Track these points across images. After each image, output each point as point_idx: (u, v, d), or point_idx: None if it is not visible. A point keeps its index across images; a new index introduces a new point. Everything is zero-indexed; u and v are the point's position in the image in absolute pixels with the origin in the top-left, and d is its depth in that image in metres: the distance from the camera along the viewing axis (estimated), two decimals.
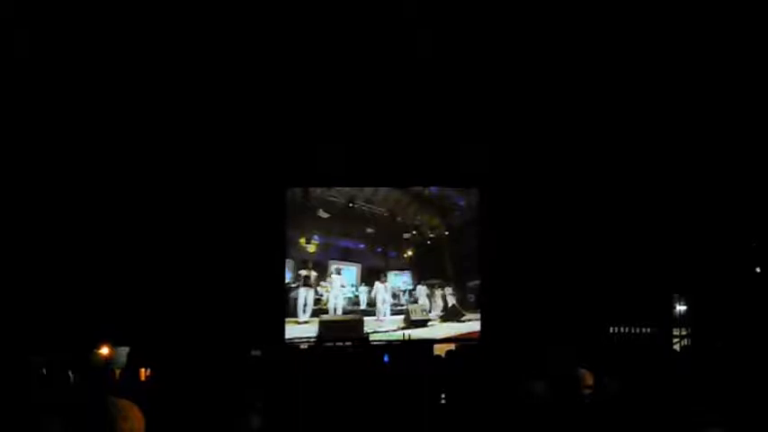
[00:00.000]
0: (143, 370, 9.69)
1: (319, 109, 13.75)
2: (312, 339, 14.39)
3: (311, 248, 15.16)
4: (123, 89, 12.96)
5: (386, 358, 9.84)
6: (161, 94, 13.21)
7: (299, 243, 15.07)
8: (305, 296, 14.82)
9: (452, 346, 12.39)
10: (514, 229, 14.53)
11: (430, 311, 15.21)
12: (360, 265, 15.31)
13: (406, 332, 14.80)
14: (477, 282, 15.35)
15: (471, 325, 15.17)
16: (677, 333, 14.21)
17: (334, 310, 14.95)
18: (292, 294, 14.83)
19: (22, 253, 12.65)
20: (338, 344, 13.89)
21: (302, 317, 14.82)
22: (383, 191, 15.41)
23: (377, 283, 15.17)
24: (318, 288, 14.94)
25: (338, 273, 15.11)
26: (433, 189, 15.60)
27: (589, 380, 5.08)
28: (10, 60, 11.80)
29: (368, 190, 15.26)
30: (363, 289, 15.19)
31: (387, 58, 12.84)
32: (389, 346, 13.08)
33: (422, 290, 15.31)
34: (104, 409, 2.82)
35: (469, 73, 13.35)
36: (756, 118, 12.98)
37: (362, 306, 15.13)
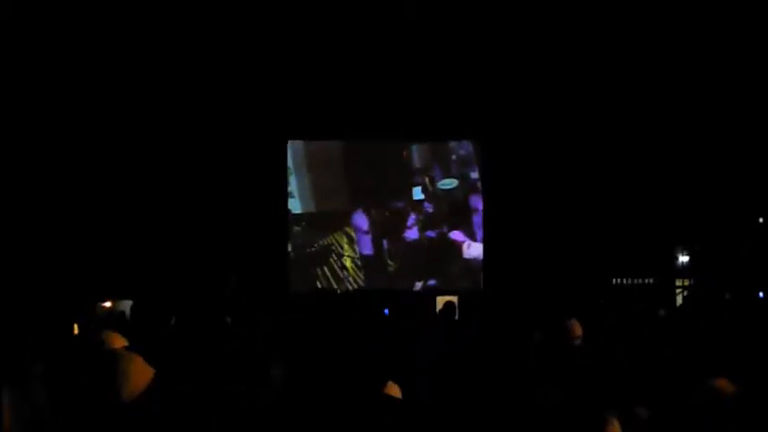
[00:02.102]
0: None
1: (318, 63, 13.75)
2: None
3: None
4: (117, 43, 12.93)
5: (386, 311, 9.82)
6: (158, 53, 13.21)
7: None
8: None
9: (454, 298, 12.40)
10: (516, 182, 14.54)
11: None
12: None
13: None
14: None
15: None
16: (680, 284, 14.26)
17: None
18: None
19: (25, 211, 12.72)
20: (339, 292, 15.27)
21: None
22: None
23: None
24: None
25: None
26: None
27: (578, 330, 5.11)
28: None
29: None
30: None
31: (382, 12, 12.80)
32: (391, 298, 13.16)
33: None
34: (112, 357, 2.83)
35: (464, 28, 13.30)
36: (760, 82, 13.00)
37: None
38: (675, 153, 13.91)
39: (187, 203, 13.84)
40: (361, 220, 15.98)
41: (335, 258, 15.89)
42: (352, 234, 16.01)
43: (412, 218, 16.06)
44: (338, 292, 15.66)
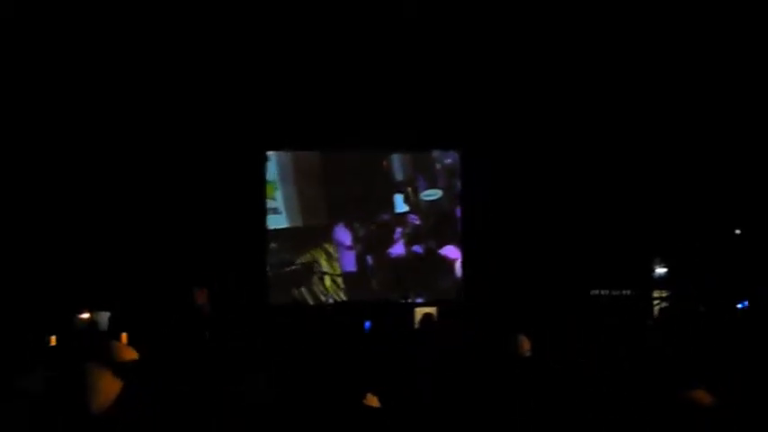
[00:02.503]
0: (124, 335, 9.62)
1: (297, 72, 13.71)
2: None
3: None
4: (98, 54, 12.88)
5: (367, 325, 9.79)
6: (137, 61, 13.15)
7: None
8: None
9: (432, 310, 12.42)
10: (495, 192, 14.59)
11: None
12: None
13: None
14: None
15: None
16: (657, 295, 14.31)
17: None
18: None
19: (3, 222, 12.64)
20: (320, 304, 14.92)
21: None
22: None
23: None
24: None
25: None
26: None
27: (526, 344, 5.34)
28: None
29: None
30: None
31: (362, 21, 12.77)
32: (370, 309, 13.10)
33: None
34: (81, 372, 2.83)
35: (447, 38, 13.30)
36: (736, 88, 13.06)
37: None
38: (652, 164, 13.99)
39: (165, 217, 13.78)
40: (343, 235, 15.51)
41: (314, 277, 15.41)
42: (331, 250, 15.55)
43: (398, 231, 15.65)
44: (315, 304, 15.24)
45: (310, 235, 15.56)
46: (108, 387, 2.88)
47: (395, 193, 15.71)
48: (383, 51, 13.41)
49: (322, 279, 15.54)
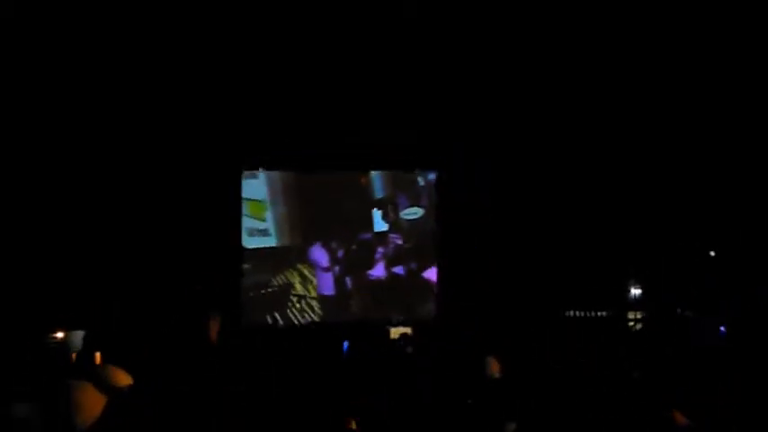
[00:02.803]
0: (98, 354, 9.58)
1: (274, 90, 13.67)
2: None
3: None
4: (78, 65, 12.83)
5: (345, 345, 9.79)
6: (116, 75, 13.09)
7: None
8: None
9: (408, 330, 12.42)
10: (470, 213, 14.62)
11: None
12: None
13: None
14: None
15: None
16: (632, 316, 14.39)
17: None
18: None
19: None
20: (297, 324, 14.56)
21: None
22: None
23: None
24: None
25: None
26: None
27: (495, 367, 5.41)
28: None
29: None
30: None
31: (334, 38, 12.75)
32: (346, 329, 13.05)
33: None
34: (65, 389, 2.83)
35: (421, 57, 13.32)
36: (715, 103, 13.14)
37: None
38: (626, 186, 14.07)
39: (140, 236, 13.68)
40: (319, 255, 14.93)
41: (288, 300, 14.84)
42: (306, 272, 14.91)
43: (378, 251, 15.15)
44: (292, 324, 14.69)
45: (284, 256, 14.95)
46: (92, 403, 2.88)
47: (374, 210, 15.19)
48: (365, 68, 13.36)
49: (296, 302, 14.97)
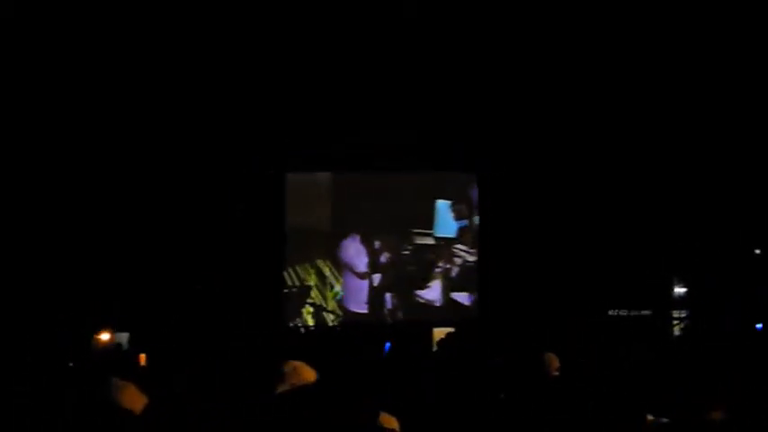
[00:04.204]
0: (143, 355, 9.68)
1: (318, 94, 13.65)
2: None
3: None
4: (120, 77, 12.92)
5: (387, 346, 9.68)
6: (158, 83, 13.17)
7: None
8: None
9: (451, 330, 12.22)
10: (513, 213, 14.49)
11: None
12: None
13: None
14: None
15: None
16: (676, 315, 14.24)
17: None
18: None
19: (24, 242, 12.68)
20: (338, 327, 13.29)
21: None
22: None
23: None
24: None
25: None
26: None
27: (555, 363, 5.25)
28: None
29: None
30: None
31: (381, 42, 12.70)
32: (390, 330, 12.62)
33: None
34: (108, 387, 2.86)
35: (466, 57, 13.25)
36: (754, 100, 12.96)
37: None
38: (673, 183, 13.91)
39: (182, 239, 13.76)
40: (353, 253, 13.06)
41: (303, 306, 13.07)
42: (327, 271, 12.89)
43: (439, 266, 12.95)
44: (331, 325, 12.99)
45: (302, 240, 12.82)
46: (133, 402, 2.90)
47: (440, 204, 12.98)
48: (396, 78, 13.28)
49: (308, 312, 12.98)
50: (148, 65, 12.80)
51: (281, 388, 3.44)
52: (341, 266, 12.84)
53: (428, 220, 13.17)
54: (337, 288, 12.90)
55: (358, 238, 12.94)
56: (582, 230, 14.19)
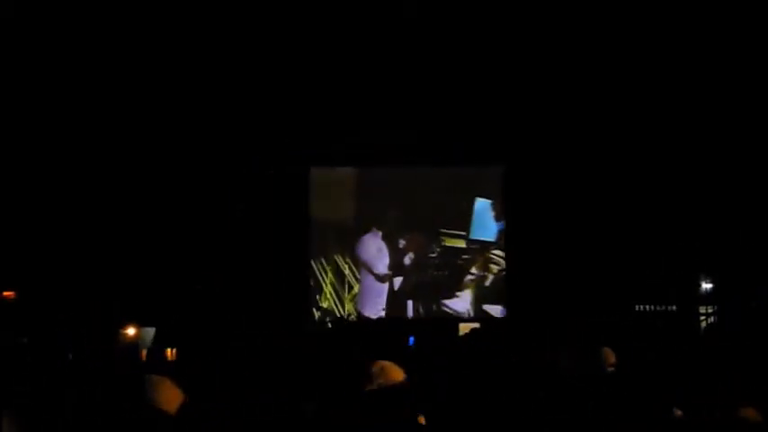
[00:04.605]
0: (169, 350, 9.74)
1: (341, 88, 13.65)
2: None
3: None
4: (144, 69, 12.99)
5: (411, 340, 9.63)
6: (184, 75, 13.22)
7: None
8: None
9: (477, 325, 12.09)
10: (539, 206, 14.45)
11: None
12: None
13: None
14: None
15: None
16: (703, 311, 14.14)
17: None
18: None
19: (51, 237, 12.76)
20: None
21: None
22: None
23: None
24: None
25: None
26: None
27: (611, 358, 5.17)
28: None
29: None
30: None
31: (406, 37, 12.66)
32: (414, 325, 12.32)
33: None
34: (141, 383, 2.86)
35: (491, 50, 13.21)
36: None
37: None
38: (700, 178, 13.83)
39: (208, 232, 13.83)
40: (374, 250, 12.45)
41: (310, 311, 12.47)
42: (346, 270, 12.22)
43: (472, 273, 12.21)
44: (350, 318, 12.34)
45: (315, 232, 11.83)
46: (169, 398, 2.90)
47: (479, 202, 11.93)
48: (418, 72, 13.25)
49: (316, 318, 12.24)
50: (162, 62, 12.88)
51: (369, 388, 3.45)
52: (359, 265, 12.10)
53: (462, 221, 12.41)
54: (356, 290, 12.24)
55: (379, 232, 12.27)
56: (608, 224, 14.13)
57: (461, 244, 12.34)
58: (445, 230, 12.38)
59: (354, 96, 13.51)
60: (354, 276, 12.14)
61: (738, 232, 13.74)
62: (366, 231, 12.38)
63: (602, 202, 14.17)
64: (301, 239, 14.12)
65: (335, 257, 12.38)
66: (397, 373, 3.62)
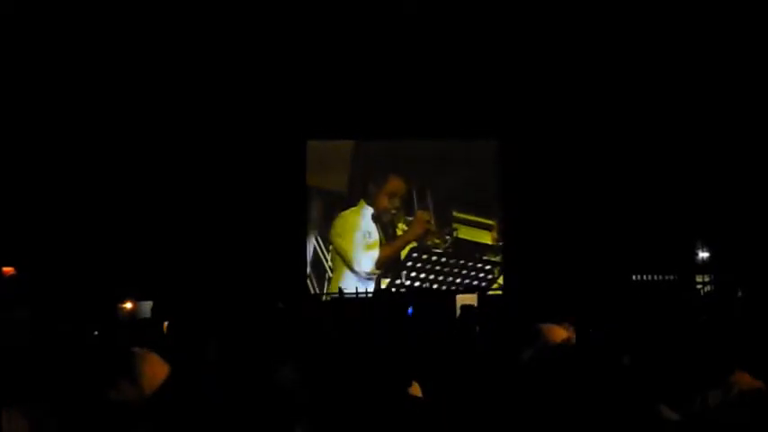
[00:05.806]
0: (166, 324, 9.74)
1: (338, 61, 13.64)
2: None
3: None
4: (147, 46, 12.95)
5: (410, 311, 9.67)
6: (181, 54, 13.20)
7: None
8: None
9: (474, 297, 12.13)
10: (535, 179, 14.46)
11: None
12: None
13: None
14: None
15: None
16: (700, 280, 14.17)
17: None
18: None
19: (48, 214, 12.77)
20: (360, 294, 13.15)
21: None
22: None
23: None
24: None
25: None
26: None
27: (562, 333, 5.22)
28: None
29: None
30: None
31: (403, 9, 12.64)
32: (413, 296, 12.43)
33: None
34: (129, 357, 2.86)
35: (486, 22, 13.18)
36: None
37: None
38: (695, 149, 13.82)
39: (205, 206, 13.84)
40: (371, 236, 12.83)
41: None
42: (350, 247, 12.60)
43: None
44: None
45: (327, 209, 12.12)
46: (155, 371, 2.89)
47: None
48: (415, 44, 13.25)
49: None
50: (158, 35, 12.85)
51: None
52: (351, 239, 12.27)
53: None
54: (352, 261, 12.48)
55: (371, 211, 12.44)
56: (604, 197, 14.14)
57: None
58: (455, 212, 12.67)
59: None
60: (350, 251, 12.25)
61: (735, 200, 13.74)
62: (358, 205, 12.71)
63: (597, 174, 14.19)
64: (299, 211, 14.35)
65: (331, 231, 12.69)
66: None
